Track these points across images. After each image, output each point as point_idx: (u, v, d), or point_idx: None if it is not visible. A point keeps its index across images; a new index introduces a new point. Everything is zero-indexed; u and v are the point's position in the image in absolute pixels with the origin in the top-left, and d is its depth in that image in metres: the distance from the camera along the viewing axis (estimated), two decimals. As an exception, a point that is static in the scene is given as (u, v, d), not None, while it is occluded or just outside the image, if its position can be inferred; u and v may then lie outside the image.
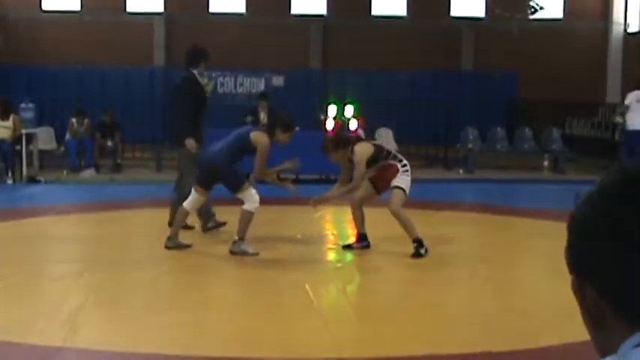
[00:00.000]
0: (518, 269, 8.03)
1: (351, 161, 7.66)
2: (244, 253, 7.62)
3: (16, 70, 21.45)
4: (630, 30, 24.90)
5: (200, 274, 7.19)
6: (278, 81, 21.99)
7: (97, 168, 15.25)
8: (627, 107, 14.07)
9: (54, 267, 7.52)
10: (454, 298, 6.69)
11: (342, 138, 8.40)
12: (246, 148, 7.69)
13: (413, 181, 7.82)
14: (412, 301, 6.42)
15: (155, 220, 9.32)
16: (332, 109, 14.49)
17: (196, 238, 8.36)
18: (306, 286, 6.50)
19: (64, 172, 14.88)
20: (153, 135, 15.89)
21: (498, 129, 17.24)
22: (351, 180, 7.74)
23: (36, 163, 14.85)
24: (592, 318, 1.02)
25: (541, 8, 21.59)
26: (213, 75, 21.41)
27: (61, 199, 12.01)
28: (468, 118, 19.56)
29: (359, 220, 7.95)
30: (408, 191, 7.66)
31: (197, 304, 6.25)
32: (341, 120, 14.31)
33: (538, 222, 9.86)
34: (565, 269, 1.05)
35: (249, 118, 13.16)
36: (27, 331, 5.24)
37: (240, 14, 23.87)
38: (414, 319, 5.78)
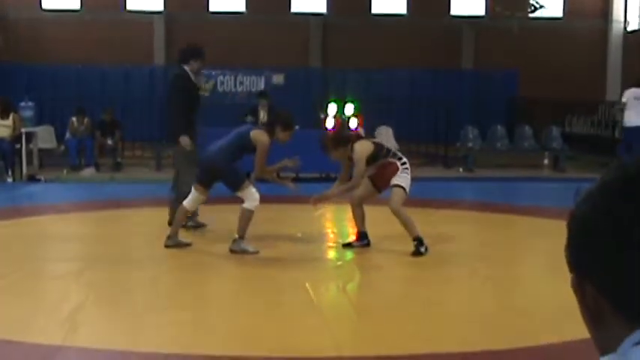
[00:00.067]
0: (519, 268, 8.03)
1: (350, 159, 7.66)
2: (244, 252, 7.62)
3: (16, 69, 21.44)
4: (630, 28, 24.92)
5: (200, 273, 7.19)
6: (278, 79, 21.98)
7: (97, 167, 15.25)
8: (624, 104, 14.19)
9: (54, 265, 7.52)
10: (454, 297, 6.69)
11: (342, 136, 8.39)
12: (246, 147, 7.69)
13: (413, 179, 7.82)
14: (412, 300, 6.41)
15: (155, 218, 9.31)
16: (332, 108, 14.49)
17: (196, 237, 8.36)
18: (306, 284, 6.50)
19: (64, 171, 14.88)
20: (153, 134, 15.88)
21: (498, 127, 17.24)
22: (351, 178, 7.74)
23: (36, 161, 14.85)
24: (592, 316, 1.02)
25: (541, 7, 21.61)
26: (213, 73, 21.44)
27: (61, 197, 12.01)
28: (468, 116, 19.57)
29: (359, 219, 7.95)
30: (408, 189, 7.66)
31: (197, 302, 6.25)
32: (341, 118, 14.30)
33: (538, 220, 9.86)
34: (565, 267, 1.05)
35: (249, 119, 13.15)
36: (27, 330, 5.25)
37: (240, 13, 23.88)
38: (414, 318, 5.77)
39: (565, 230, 1.05)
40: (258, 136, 7.67)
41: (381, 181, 7.81)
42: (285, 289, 6.63)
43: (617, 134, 17.00)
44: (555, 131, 16.93)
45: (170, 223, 8.32)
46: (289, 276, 7.00)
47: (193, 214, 8.72)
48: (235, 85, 21.98)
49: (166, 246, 7.88)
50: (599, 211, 1.00)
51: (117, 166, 15.47)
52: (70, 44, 22.81)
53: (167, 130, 9.15)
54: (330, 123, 14.15)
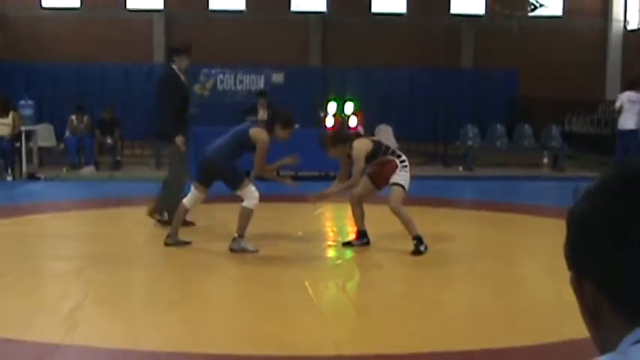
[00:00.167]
0: (518, 266, 8.03)
1: (349, 157, 7.67)
2: (244, 251, 7.62)
3: (16, 67, 21.43)
4: (630, 27, 24.91)
5: (199, 272, 7.19)
6: (278, 78, 21.97)
7: (97, 165, 15.25)
8: (620, 108, 14.19)
9: (53, 264, 7.51)
10: (454, 296, 6.69)
11: (341, 134, 8.40)
12: (245, 145, 7.68)
13: (412, 178, 7.82)
14: (412, 298, 6.42)
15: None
16: (332, 106, 14.49)
17: (196, 236, 8.36)
18: (306, 283, 6.50)
19: (64, 169, 14.88)
20: (152, 132, 15.86)
21: (498, 126, 17.24)
22: (350, 176, 7.75)
23: (35, 160, 14.85)
24: (591, 314, 1.02)
25: (541, 5, 21.61)
26: (213, 72, 21.44)
27: (60, 196, 12.01)
28: (467, 115, 19.57)
29: (359, 218, 7.95)
30: (407, 188, 7.66)
31: (196, 301, 6.24)
32: (341, 117, 14.30)
33: (537, 219, 9.85)
34: (565, 266, 1.05)
35: (251, 119, 13.13)
36: (27, 328, 5.25)
37: (240, 11, 23.86)
38: (414, 316, 5.77)
39: (564, 229, 1.05)
40: (258, 134, 7.66)
41: (380, 179, 7.81)
42: (284, 287, 6.63)
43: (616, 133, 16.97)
44: (555, 130, 16.93)
45: (169, 222, 8.33)
46: (289, 275, 7.00)
47: (165, 210, 8.78)
48: (235, 84, 21.97)
49: (166, 244, 7.88)
50: (597, 208, 1.00)
51: (116, 165, 15.47)
52: (69, 42, 22.81)
53: (158, 130, 9.13)
54: (329, 122, 14.15)
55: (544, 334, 5.29)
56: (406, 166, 7.71)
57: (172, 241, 7.89)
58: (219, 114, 16.93)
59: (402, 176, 7.64)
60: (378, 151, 7.73)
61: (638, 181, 0.98)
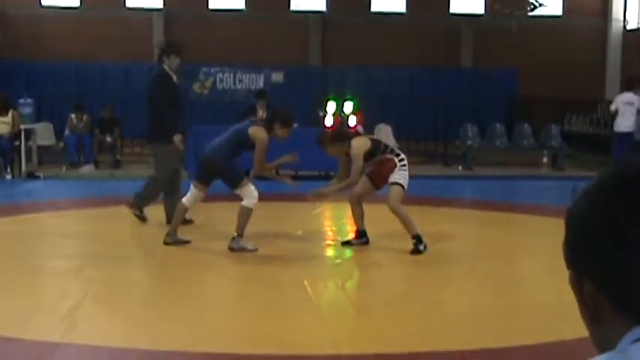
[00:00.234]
0: (518, 265, 8.03)
1: (348, 155, 7.67)
2: (243, 250, 7.62)
3: (16, 66, 21.43)
4: (629, 27, 24.91)
5: (199, 271, 7.19)
6: (277, 77, 21.96)
7: (96, 164, 15.25)
8: (616, 111, 14.19)
9: (53, 263, 7.51)
10: (453, 295, 6.69)
11: (340, 132, 8.41)
12: (244, 144, 7.68)
13: (412, 177, 7.82)
14: (411, 298, 6.42)
15: (154, 216, 9.30)
16: (331, 106, 14.49)
17: (195, 235, 8.36)
18: (305, 282, 6.50)
19: (63, 168, 14.88)
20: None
21: (497, 125, 17.24)
22: (349, 175, 7.74)
23: (35, 158, 14.84)
24: (590, 313, 1.02)
25: (540, 5, 21.59)
26: (212, 71, 21.43)
27: (60, 194, 12.01)
28: (467, 114, 19.57)
29: (358, 217, 7.95)
30: (406, 187, 7.66)
31: (195, 300, 6.24)
32: (340, 116, 14.30)
33: (537, 218, 9.85)
34: (564, 266, 1.05)
35: (251, 119, 13.11)
36: (26, 327, 5.25)
37: (240, 10, 23.85)
38: (413, 316, 5.77)
39: (563, 228, 1.05)
40: (257, 132, 7.66)
41: (378, 178, 7.81)
42: (284, 286, 6.63)
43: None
44: (554, 129, 16.94)
45: (169, 222, 8.33)
46: (288, 274, 7.00)
47: (147, 203, 8.93)
48: (234, 83, 21.96)
49: (165, 243, 7.88)
50: (596, 207, 1.00)
51: (116, 164, 15.46)
52: (69, 41, 22.80)
53: (153, 131, 9.09)
54: (329, 121, 14.15)
55: (544, 333, 5.29)
56: (405, 165, 7.71)
57: (172, 240, 7.89)
58: (218, 113, 16.93)
59: (401, 175, 7.63)
60: (377, 149, 7.73)
61: (638, 181, 0.98)
